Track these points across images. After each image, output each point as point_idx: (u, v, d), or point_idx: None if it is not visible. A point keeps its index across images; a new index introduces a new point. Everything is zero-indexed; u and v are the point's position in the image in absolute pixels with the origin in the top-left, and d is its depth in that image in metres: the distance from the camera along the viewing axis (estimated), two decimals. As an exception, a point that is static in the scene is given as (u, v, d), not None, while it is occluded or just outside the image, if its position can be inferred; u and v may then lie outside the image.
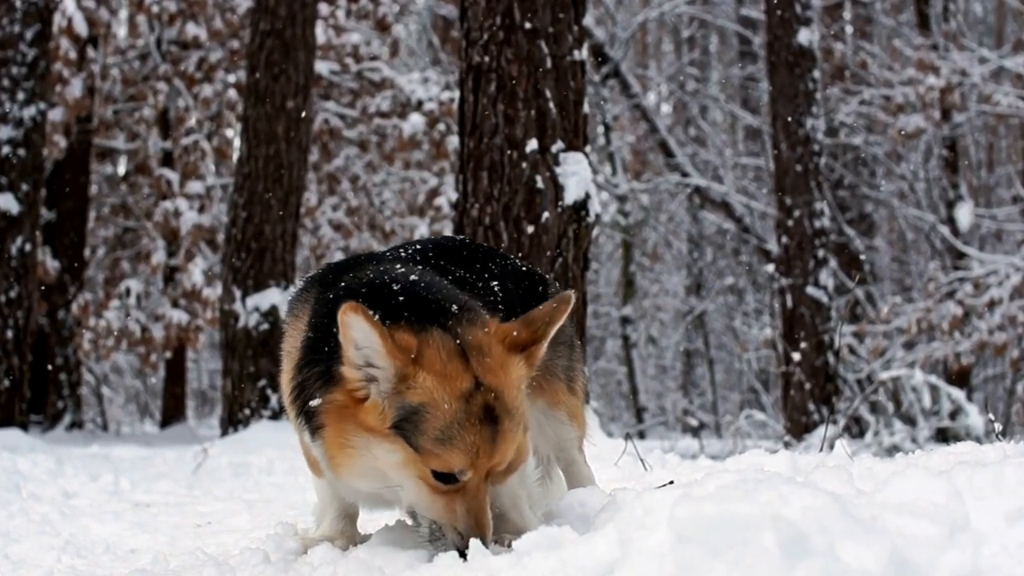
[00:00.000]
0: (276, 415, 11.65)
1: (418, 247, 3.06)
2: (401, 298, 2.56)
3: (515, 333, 2.56)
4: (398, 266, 2.77)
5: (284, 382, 2.80)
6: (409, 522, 2.70)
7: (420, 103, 18.08)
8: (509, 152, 6.41)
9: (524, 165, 6.41)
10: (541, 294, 3.21)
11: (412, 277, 2.67)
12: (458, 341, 2.48)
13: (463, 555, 2.42)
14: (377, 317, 2.44)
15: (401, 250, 3.03)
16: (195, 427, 21.15)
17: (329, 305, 2.64)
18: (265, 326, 11.82)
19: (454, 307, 2.58)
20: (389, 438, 2.44)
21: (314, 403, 2.53)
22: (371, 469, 2.50)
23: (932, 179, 21.90)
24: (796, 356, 13.75)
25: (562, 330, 2.79)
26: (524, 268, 3.28)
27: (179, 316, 16.63)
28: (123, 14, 18.69)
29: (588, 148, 6.72)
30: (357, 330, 2.39)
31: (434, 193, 18.66)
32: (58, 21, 15.67)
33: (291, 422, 2.83)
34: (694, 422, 22.99)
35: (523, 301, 3.07)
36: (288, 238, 12.27)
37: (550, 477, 3.34)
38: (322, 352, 2.57)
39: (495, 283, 3.02)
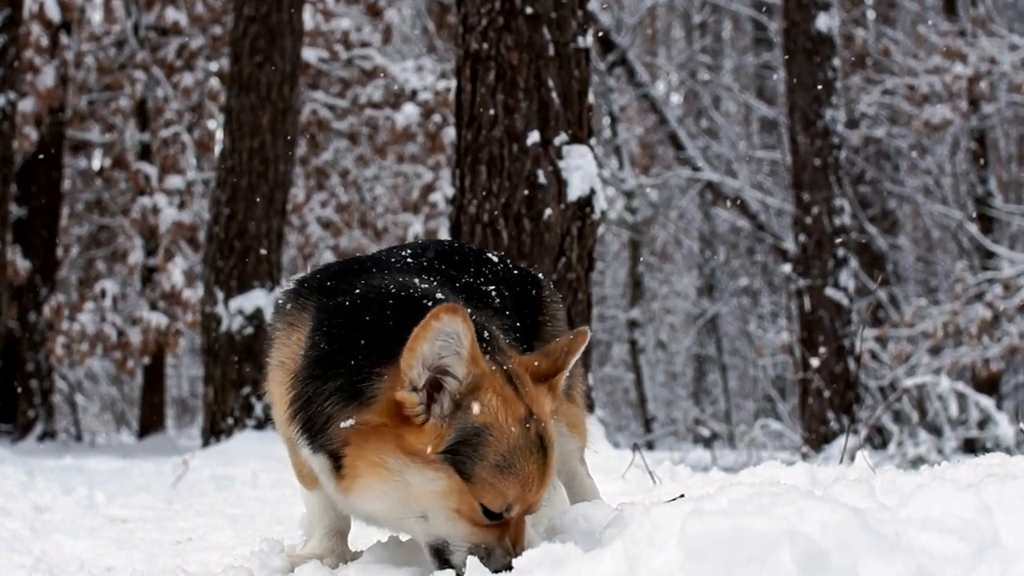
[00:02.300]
0: (261, 424, 11.66)
1: (410, 251, 3.03)
2: None
3: (536, 364, 2.59)
4: (412, 277, 2.73)
5: (278, 394, 2.75)
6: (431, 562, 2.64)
7: (414, 93, 18.08)
8: (509, 145, 6.41)
9: (525, 159, 6.41)
10: (535, 297, 3.21)
11: (438, 295, 2.65)
12: (504, 367, 2.49)
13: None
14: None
15: (400, 254, 2.99)
16: (175, 437, 21.15)
17: (345, 314, 2.60)
18: (249, 330, 11.83)
19: (485, 333, 2.56)
20: (434, 465, 2.41)
21: (345, 424, 2.47)
22: (397, 496, 2.47)
23: (959, 174, 21.92)
24: (814, 362, 13.75)
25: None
26: (516, 271, 3.27)
27: (158, 319, 16.63)
28: (98, -2, 18.71)
29: (593, 141, 6.72)
30: (444, 336, 2.34)
31: (429, 189, 18.66)
32: (29, 5, 15.68)
33: (281, 433, 2.80)
34: (706, 432, 22.99)
35: (517, 306, 3.07)
36: (274, 236, 12.27)
37: (554, 488, 3.35)
38: (342, 365, 2.52)
39: (492, 288, 3.01)
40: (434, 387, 2.42)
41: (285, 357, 2.75)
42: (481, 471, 2.39)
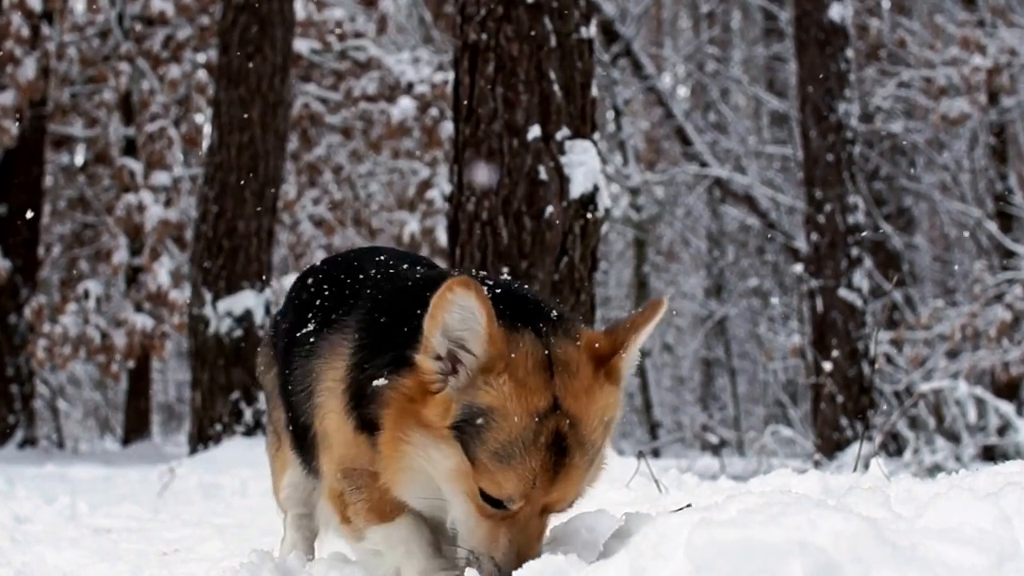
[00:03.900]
0: (250, 431, 11.66)
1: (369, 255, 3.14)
2: (499, 291, 2.58)
3: (597, 345, 2.53)
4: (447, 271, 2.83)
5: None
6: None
7: (410, 85, 18.09)
8: (509, 140, 6.41)
9: (526, 154, 6.41)
10: None
11: (496, 278, 2.70)
12: (547, 352, 2.46)
13: None
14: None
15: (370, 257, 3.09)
16: (161, 444, 21.16)
17: (390, 304, 2.70)
18: (238, 332, 11.83)
19: (554, 313, 2.58)
20: (447, 440, 2.43)
21: (378, 383, 2.53)
22: (425, 475, 2.50)
23: (978, 170, 21.91)
24: (827, 366, 13.73)
25: None
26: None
27: (143, 321, 16.63)
28: (81, -13, 18.71)
29: (597, 135, 6.72)
30: (460, 308, 2.38)
31: (426, 185, 18.67)
32: (9, -6, 15.68)
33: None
34: (714, 439, 23.00)
35: None
36: (264, 235, 12.27)
37: None
38: (393, 342, 2.58)
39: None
40: (453, 359, 2.45)
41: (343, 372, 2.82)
42: (481, 454, 2.40)
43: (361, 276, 2.94)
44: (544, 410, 2.40)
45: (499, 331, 2.42)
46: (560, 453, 2.41)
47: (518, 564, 2.41)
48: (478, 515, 2.45)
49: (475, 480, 2.41)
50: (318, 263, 3.24)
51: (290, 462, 3.25)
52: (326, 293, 2.99)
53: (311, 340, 2.89)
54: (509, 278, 2.74)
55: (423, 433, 2.46)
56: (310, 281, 3.13)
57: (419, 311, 2.52)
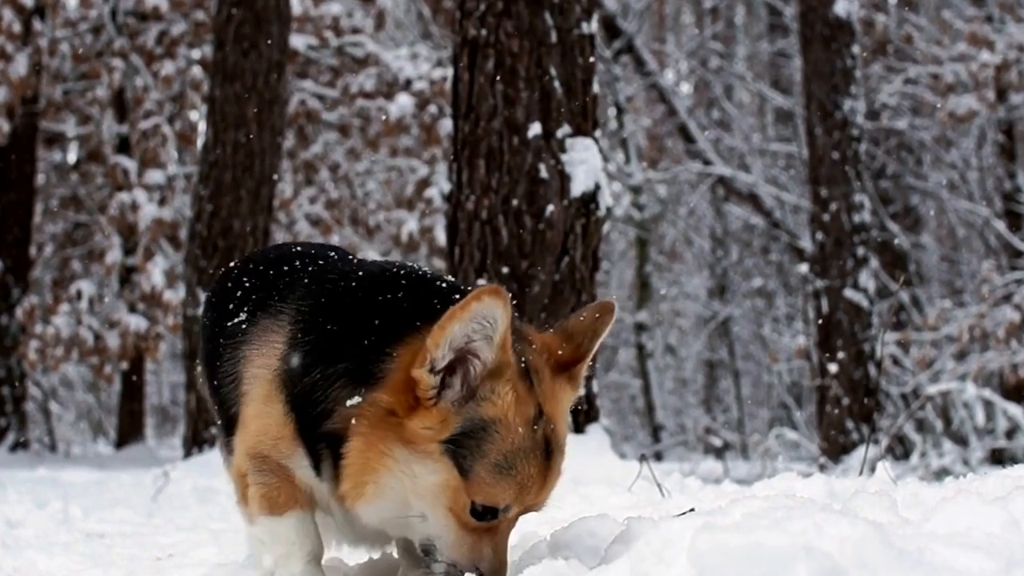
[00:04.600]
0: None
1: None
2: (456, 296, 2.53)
3: (559, 352, 2.57)
4: (395, 268, 2.73)
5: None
6: (417, 558, 2.65)
7: (409, 82, 18.09)
8: (509, 137, 6.42)
9: (526, 152, 6.41)
10: None
11: (449, 280, 2.67)
12: (523, 359, 2.48)
13: None
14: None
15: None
16: (155, 447, 21.16)
17: (338, 306, 2.62)
18: (234, 333, 11.84)
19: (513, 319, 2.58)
20: (433, 456, 2.41)
21: (352, 402, 2.48)
22: (403, 491, 2.46)
23: (986, 168, 21.92)
24: (833, 367, 13.75)
25: None
26: None
27: (137, 322, 16.64)
28: (74, -18, 18.71)
29: (598, 133, 6.73)
30: (481, 317, 2.35)
31: (424, 184, 18.67)
32: (1, -10, 15.69)
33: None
34: (718, 442, 23.00)
35: None
36: (260, 234, 12.27)
37: None
38: (349, 349, 2.52)
39: None
40: (449, 371, 2.42)
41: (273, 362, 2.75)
42: (479, 468, 2.40)
43: (287, 268, 2.87)
44: (535, 417, 2.44)
45: (511, 338, 2.41)
46: (548, 457, 2.47)
47: (500, 569, 2.45)
48: (461, 529, 2.45)
49: (468, 493, 2.41)
50: (238, 260, 3.18)
51: None
52: (253, 284, 2.92)
53: (242, 327, 2.81)
54: (448, 280, 2.68)
55: (406, 449, 2.43)
56: (235, 275, 3.04)
57: (377, 321, 2.50)
